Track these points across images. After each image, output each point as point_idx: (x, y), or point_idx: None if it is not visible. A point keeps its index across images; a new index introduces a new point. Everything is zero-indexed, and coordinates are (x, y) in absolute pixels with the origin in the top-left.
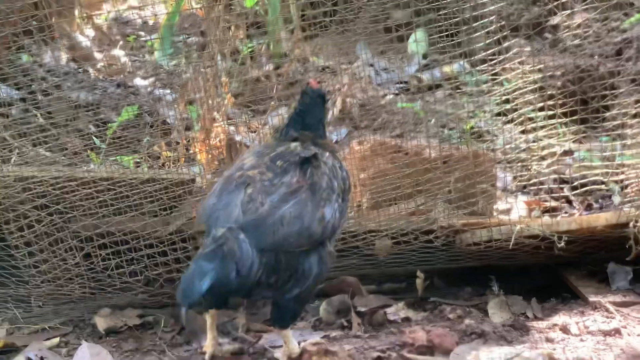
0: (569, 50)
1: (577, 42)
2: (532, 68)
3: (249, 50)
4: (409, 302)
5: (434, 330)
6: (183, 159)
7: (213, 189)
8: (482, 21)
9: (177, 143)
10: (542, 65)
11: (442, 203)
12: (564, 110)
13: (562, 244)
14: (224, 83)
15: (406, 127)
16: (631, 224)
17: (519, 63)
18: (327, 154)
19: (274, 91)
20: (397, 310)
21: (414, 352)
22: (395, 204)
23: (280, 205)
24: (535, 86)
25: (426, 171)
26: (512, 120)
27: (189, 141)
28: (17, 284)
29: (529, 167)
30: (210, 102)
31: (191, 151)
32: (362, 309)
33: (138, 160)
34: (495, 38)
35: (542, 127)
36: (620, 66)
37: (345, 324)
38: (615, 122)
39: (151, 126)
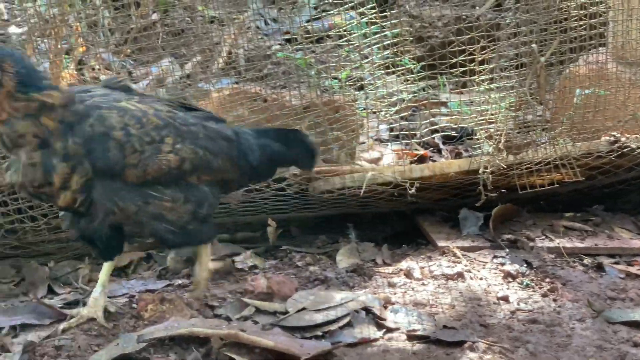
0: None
1: None
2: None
3: None
4: (258, 250)
5: (274, 278)
6: None
7: None
8: None
9: None
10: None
11: None
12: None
13: (413, 190)
14: (74, 27)
15: (289, 77)
16: (480, 170)
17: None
18: None
19: (159, 41)
20: (245, 259)
21: (254, 298)
22: None
23: None
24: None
25: (285, 118)
26: (393, 71)
27: None
28: None
29: (405, 118)
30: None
31: None
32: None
33: None
34: None
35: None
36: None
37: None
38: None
39: None
